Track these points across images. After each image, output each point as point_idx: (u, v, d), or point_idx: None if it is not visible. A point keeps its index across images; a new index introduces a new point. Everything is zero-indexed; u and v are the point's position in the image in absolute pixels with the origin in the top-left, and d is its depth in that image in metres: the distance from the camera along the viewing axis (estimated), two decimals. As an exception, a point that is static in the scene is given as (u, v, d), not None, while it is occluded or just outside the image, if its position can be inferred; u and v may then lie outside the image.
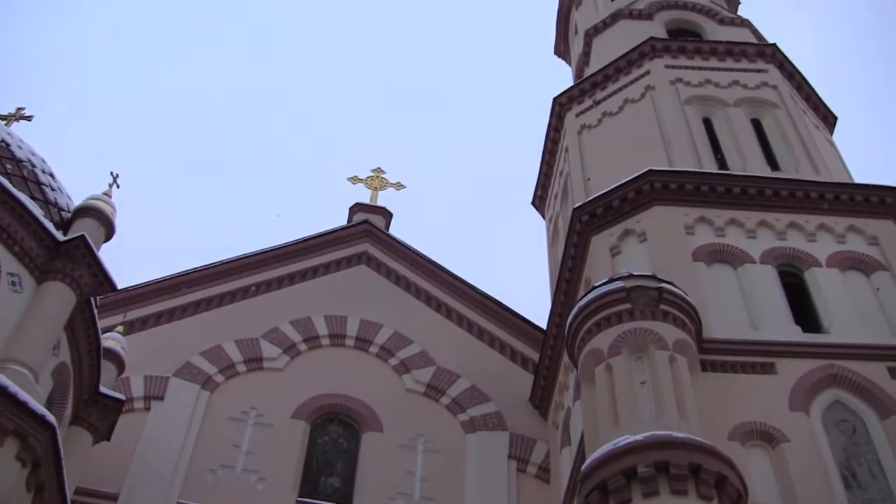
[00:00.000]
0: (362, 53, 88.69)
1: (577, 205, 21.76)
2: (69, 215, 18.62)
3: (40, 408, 14.81)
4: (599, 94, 26.51)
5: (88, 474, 19.51)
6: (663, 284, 17.03)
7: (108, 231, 18.78)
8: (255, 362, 24.55)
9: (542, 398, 24.02)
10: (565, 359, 21.13)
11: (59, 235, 17.47)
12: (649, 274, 17.44)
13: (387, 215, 30.81)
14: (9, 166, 18.14)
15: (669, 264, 18.80)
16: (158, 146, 78.79)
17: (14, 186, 17.25)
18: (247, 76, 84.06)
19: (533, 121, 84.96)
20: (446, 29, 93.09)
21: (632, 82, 25.97)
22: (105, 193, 19.33)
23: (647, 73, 25.83)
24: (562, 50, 37.48)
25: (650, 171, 20.88)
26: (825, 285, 19.03)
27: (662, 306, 16.70)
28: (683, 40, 27.34)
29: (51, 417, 14.96)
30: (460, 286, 27.81)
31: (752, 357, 17.16)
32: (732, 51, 26.43)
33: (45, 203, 18.20)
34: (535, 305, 74.99)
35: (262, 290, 26.79)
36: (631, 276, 17.27)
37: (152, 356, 23.54)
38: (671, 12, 30.30)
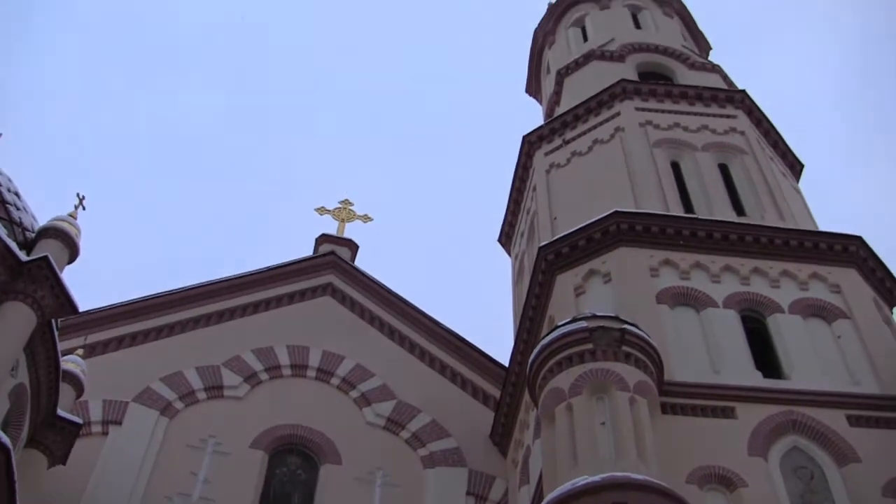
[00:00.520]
0: (333, 85, 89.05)
1: (543, 243, 21.85)
2: (33, 235, 18.48)
3: (-5, 429, 14.66)
4: (569, 134, 26.65)
5: (42, 498, 19.15)
6: (626, 326, 17.06)
7: (73, 253, 18.65)
8: (215, 390, 24.40)
9: (502, 435, 23.98)
10: (526, 397, 21.09)
11: (23, 255, 17.33)
12: (612, 315, 17.47)
13: (353, 247, 30.80)
14: (-26, 184, 18.02)
15: (633, 306, 18.86)
16: (126, 170, 78.53)
17: (-22, 204, 17.14)
18: (216, 104, 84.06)
19: (502, 158, 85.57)
20: (419, 64, 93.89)
21: (601, 123, 26.12)
22: (70, 215, 19.22)
23: (618, 114, 25.97)
24: (533, 88, 37.68)
25: (616, 212, 20.99)
26: (787, 331, 19.09)
27: (625, 347, 16.72)
28: (654, 83, 27.51)
29: (6, 439, 14.83)
30: (424, 320, 27.79)
31: (713, 401, 17.19)
32: (702, 95, 26.62)
33: (10, 222, 18.05)
34: (499, 342, 75.22)
35: (225, 318, 26.67)
36: (594, 317, 17.29)
37: (112, 380, 23.31)
38: (643, 55, 30.54)
